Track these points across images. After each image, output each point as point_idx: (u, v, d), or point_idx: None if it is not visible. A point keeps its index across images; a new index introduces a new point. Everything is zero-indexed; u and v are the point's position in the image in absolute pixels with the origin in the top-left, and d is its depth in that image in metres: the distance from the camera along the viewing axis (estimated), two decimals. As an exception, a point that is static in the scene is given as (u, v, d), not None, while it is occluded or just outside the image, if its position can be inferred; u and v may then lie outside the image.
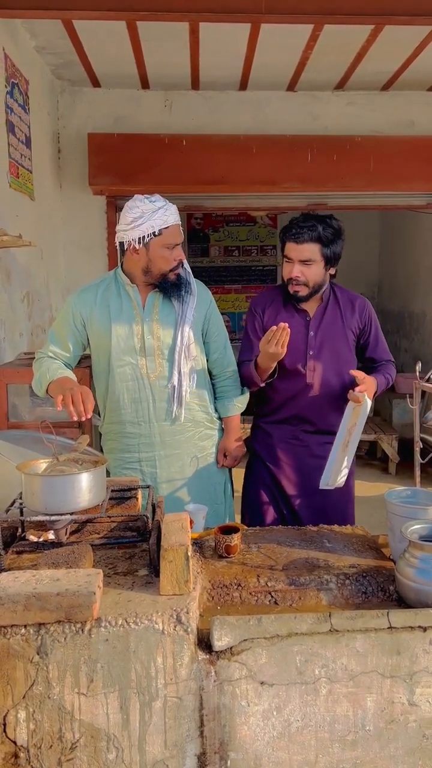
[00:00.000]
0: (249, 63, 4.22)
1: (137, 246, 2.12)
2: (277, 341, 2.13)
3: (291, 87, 4.74)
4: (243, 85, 4.68)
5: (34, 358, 2.31)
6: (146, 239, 2.11)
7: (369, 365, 2.45)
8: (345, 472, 2.22)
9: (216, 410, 2.39)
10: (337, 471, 2.21)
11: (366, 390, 2.20)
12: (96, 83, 4.62)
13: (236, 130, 4.73)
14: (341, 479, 2.21)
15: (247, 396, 2.42)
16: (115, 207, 4.85)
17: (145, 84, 4.63)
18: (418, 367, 2.13)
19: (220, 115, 4.81)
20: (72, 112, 4.72)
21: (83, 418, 1.92)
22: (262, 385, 2.33)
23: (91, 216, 4.81)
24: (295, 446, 2.40)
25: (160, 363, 2.21)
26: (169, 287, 2.20)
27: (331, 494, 2.29)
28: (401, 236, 7.21)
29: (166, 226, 2.12)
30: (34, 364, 2.24)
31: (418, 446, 2.04)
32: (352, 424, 2.20)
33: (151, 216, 2.09)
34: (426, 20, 3.28)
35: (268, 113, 4.83)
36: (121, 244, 2.18)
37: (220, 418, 2.42)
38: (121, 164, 4.51)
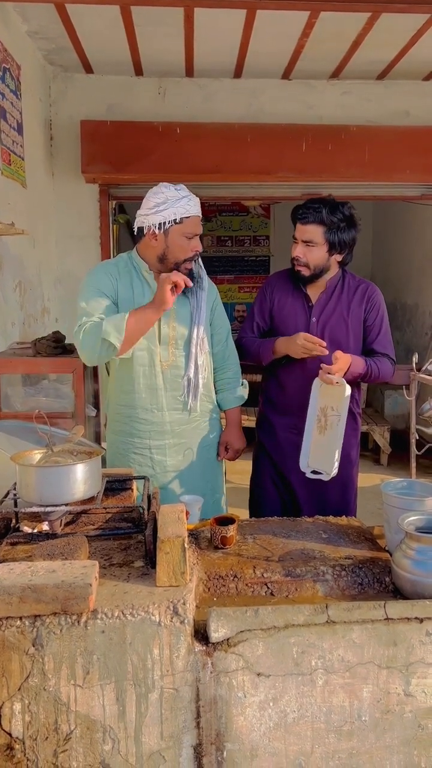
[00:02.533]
0: (244, 50, 4.17)
1: (156, 231, 2.12)
2: (310, 350, 2.21)
3: (286, 75, 4.70)
4: (238, 73, 4.64)
5: (28, 347, 2.28)
6: (167, 225, 2.11)
7: (369, 356, 2.43)
8: (335, 460, 2.15)
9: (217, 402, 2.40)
10: (318, 455, 2.18)
11: (338, 369, 2.17)
12: (89, 69, 4.56)
13: (230, 118, 4.68)
14: (333, 468, 2.16)
15: (247, 388, 2.43)
16: (108, 195, 4.80)
17: (138, 71, 4.58)
18: (415, 358, 2.13)
19: (215, 103, 4.76)
20: (64, 99, 4.66)
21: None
22: (264, 364, 2.41)
23: (83, 204, 4.76)
24: (297, 436, 2.40)
25: (172, 353, 2.21)
26: (191, 275, 2.19)
27: (332, 485, 2.29)
28: (394, 227, 7.20)
29: (188, 215, 2.13)
30: (80, 332, 2.07)
31: (413, 438, 2.04)
32: (327, 405, 2.17)
33: (175, 203, 2.10)
34: (423, 8, 3.26)
35: (262, 102, 4.79)
36: (140, 229, 2.17)
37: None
38: (114, 152, 4.46)
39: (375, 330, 2.40)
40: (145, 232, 2.15)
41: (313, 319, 2.37)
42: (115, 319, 2.05)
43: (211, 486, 2.36)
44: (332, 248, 2.29)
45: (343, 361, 2.20)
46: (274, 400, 2.45)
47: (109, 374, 2.32)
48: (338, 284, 2.39)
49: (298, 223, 2.31)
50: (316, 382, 2.23)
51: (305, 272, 2.34)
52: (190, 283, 2.04)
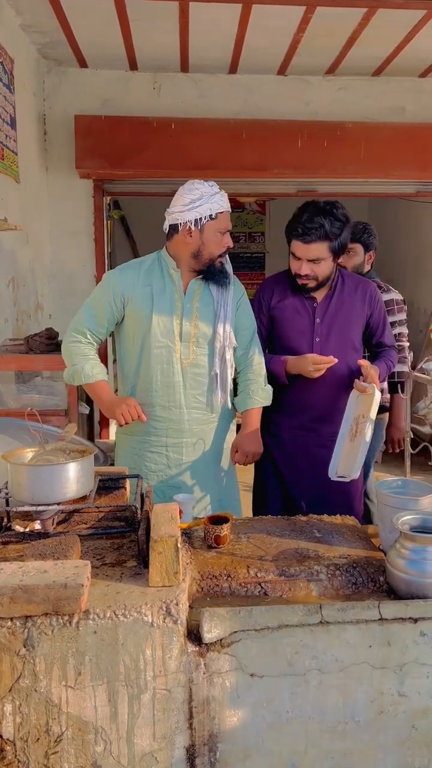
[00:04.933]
0: (239, 46, 4.15)
1: (192, 228, 2.12)
2: (322, 369, 2.20)
3: (282, 71, 4.67)
4: (233, 69, 4.61)
5: (21, 344, 2.27)
6: (202, 222, 2.12)
7: (375, 351, 2.45)
8: (359, 464, 2.15)
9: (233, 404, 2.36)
10: (347, 461, 2.17)
11: (374, 378, 2.20)
12: (83, 63, 4.53)
13: (226, 114, 4.66)
14: (356, 472, 2.14)
15: (270, 392, 2.34)
16: (102, 191, 4.77)
17: (133, 65, 4.55)
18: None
19: (210, 99, 4.73)
20: (58, 93, 4.63)
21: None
22: (286, 382, 2.33)
23: (77, 200, 4.72)
24: (302, 437, 2.38)
25: (193, 350, 2.20)
26: (215, 273, 2.20)
27: (336, 487, 2.28)
28: (390, 225, 7.19)
29: (222, 210, 2.14)
30: (68, 346, 2.23)
31: (408, 436, 2.03)
32: (360, 414, 2.18)
33: (210, 199, 2.11)
34: (419, 4, 3.24)
35: (258, 97, 4.77)
36: (172, 227, 2.16)
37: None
38: (108, 147, 4.43)
39: (381, 326, 2.42)
40: (180, 229, 2.14)
41: (317, 320, 2.34)
42: (83, 372, 2.18)
43: (226, 486, 2.34)
44: (336, 256, 2.28)
45: (374, 369, 2.23)
46: (278, 400, 2.40)
47: (123, 373, 2.30)
48: (338, 283, 2.37)
49: (298, 241, 2.24)
50: (353, 393, 2.24)
51: (312, 284, 2.30)
52: (144, 419, 2.14)
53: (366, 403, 2.17)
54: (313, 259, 2.24)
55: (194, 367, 2.20)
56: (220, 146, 4.49)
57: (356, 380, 2.21)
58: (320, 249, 2.22)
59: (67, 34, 3.96)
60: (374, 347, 2.45)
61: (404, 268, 6.73)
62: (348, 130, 4.61)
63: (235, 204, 8.05)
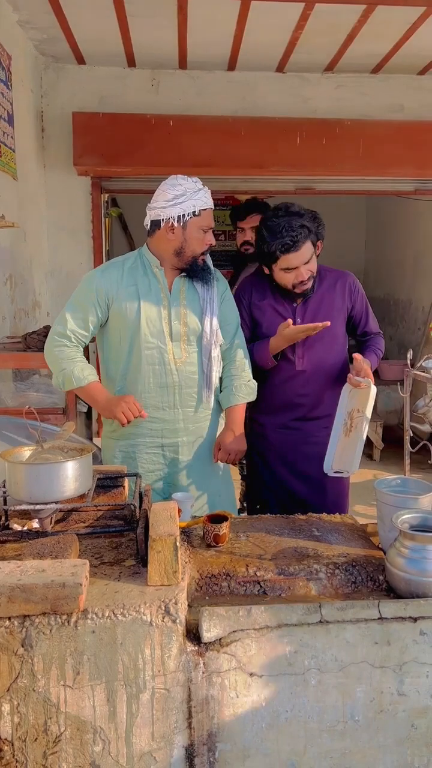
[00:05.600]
0: (238, 43, 4.13)
1: (175, 224, 2.07)
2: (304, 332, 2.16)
3: (280, 68, 4.66)
4: (231, 66, 4.60)
5: (18, 342, 2.25)
6: (186, 218, 2.07)
7: (360, 340, 2.45)
8: (358, 458, 2.13)
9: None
10: (343, 456, 2.16)
11: (366, 372, 2.18)
12: (81, 60, 4.51)
13: (224, 111, 4.65)
14: (355, 466, 2.13)
15: (254, 387, 2.30)
16: (100, 188, 4.75)
17: (131, 62, 4.53)
18: (409, 354, 2.12)
19: (208, 96, 4.72)
20: (56, 90, 4.61)
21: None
22: (270, 365, 2.30)
23: (75, 197, 4.71)
24: (287, 435, 2.38)
25: (185, 349, 2.16)
26: (198, 271, 2.15)
27: (329, 485, 2.27)
28: (388, 223, 7.19)
29: (205, 207, 2.10)
30: (52, 351, 2.14)
31: (407, 434, 2.03)
32: (354, 408, 2.17)
33: (193, 195, 2.06)
34: (418, 0, 3.23)
35: (256, 95, 4.75)
36: (153, 222, 2.11)
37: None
38: (106, 144, 4.41)
39: (364, 316, 2.43)
40: (162, 225, 2.09)
41: (299, 320, 2.31)
42: (73, 376, 2.10)
43: (222, 479, 2.32)
44: (315, 253, 2.26)
45: (367, 363, 2.21)
46: (261, 400, 2.35)
47: (108, 376, 2.24)
48: (316, 279, 2.33)
49: (290, 254, 2.18)
50: (346, 387, 2.22)
51: (310, 284, 2.28)
52: (145, 415, 2.08)
53: (361, 397, 2.15)
54: (306, 262, 2.21)
55: (188, 365, 2.17)
56: (218, 143, 4.47)
57: (349, 375, 2.19)
58: (308, 247, 2.21)
59: (65, 31, 3.94)
60: (359, 337, 2.45)
61: (402, 266, 6.73)
62: (347, 128, 4.60)
63: (233, 202, 8.06)
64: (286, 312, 2.32)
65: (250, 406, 2.37)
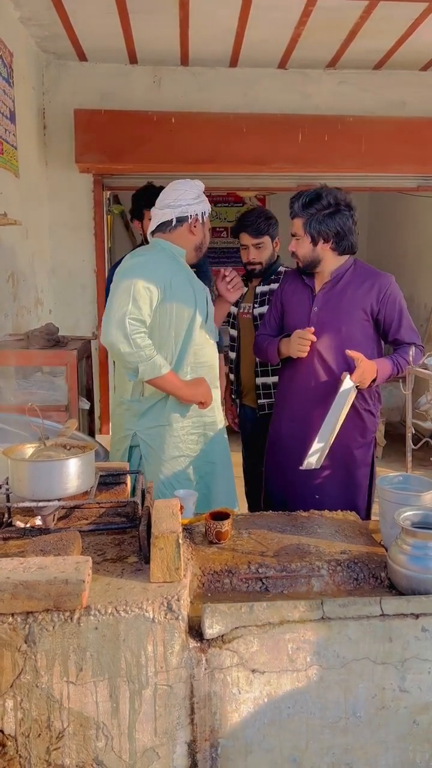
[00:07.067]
0: (240, 39, 4.12)
1: (200, 220, 2.24)
2: (304, 342, 2.27)
3: (282, 65, 4.65)
4: (233, 62, 4.58)
5: (20, 339, 2.26)
6: (205, 216, 2.27)
7: (394, 347, 2.41)
8: (317, 452, 2.14)
9: None
10: (317, 451, 2.16)
11: (361, 375, 2.17)
12: (83, 57, 4.50)
13: (226, 108, 4.63)
14: (320, 462, 2.16)
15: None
16: (102, 185, 4.75)
17: (133, 59, 4.52)
18: (411, 352, 2.11)
19: (210, 93, 4.70)
20: (58, 87, 4.60)
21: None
22: (276, 362, 2.48)
23: (77, 194, 4.70)
24: (297, 429, 2.37)
25: (210, 332, 2.32)
26: (202, 267, 2.34)
27: (337, 486, 2.30)
28: (390, 219, 7.17)
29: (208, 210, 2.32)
30: (131, 336, 2.04)
31: (410, 432, 2.03)
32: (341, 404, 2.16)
33: (204, 196, 2.26)
34: (421, -3, 3.22)
35: (258, 91, 4.74)
36: (179, 219, 2.21)
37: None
38: (108, 141, 4.40)
39: (396, 321, 2.35)
40: (189, 221, 2.21)
41: (315, 308, 2.35)
42: (163, 360, 2.11)
43: (225, 478, 2.39)
44: (315, 239, 2.31)
45: (365, 365, 2.18)
46: (279, 396, 2.51)
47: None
48: (345, 274, 2.36)
49: (298, 219, 2.36)
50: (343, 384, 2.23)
51: (300, 264, 2.41)
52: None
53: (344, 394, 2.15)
54: (293, 235, 2.36)
55: (214, 348, 2.33)
56: (220, 140, 4.46)
57: (344, 372, 2.19)
58: (297, 225, 2.33)
59: (67, 28, 3.94)
60: (391, 344, 2.41)
61: (404, 263, 6.71)
62: (349, 124, 4.58)
63: (236, 198, 8.05)
64: (305, 299, 2.41)
65: (276, 401, 2.61)
